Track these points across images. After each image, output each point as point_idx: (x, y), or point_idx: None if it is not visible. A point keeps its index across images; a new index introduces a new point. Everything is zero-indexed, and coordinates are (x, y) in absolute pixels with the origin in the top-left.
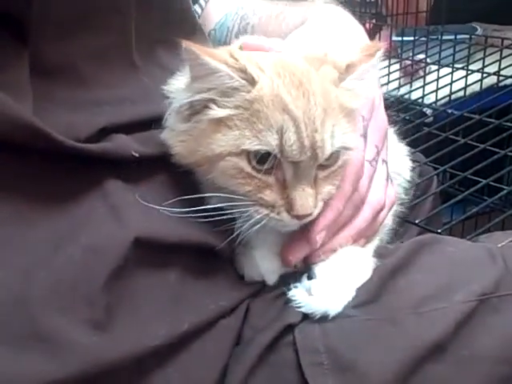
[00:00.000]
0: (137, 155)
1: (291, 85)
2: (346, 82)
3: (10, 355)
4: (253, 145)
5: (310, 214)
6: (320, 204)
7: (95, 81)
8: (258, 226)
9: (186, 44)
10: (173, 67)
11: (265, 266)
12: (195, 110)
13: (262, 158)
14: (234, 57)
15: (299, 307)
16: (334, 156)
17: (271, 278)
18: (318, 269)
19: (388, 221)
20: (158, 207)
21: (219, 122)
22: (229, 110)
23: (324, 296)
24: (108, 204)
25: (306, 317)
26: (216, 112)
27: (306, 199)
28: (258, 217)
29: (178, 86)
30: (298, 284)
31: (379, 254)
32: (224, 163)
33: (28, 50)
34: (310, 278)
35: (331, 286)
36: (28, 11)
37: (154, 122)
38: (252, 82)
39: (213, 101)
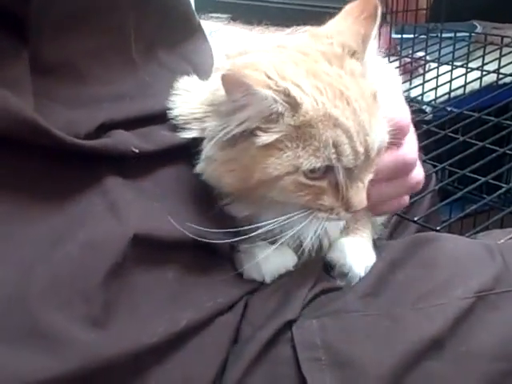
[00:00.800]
0: (137, 151)
1: (334, 97)
2: (366, 55)
3: (8, 351)
4: (312, 164)
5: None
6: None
7: (94, 78)
8: (320, 229)
9: (233, 74)
10: (172, 66)
11: (267, 266)
12: (237, 137)
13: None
14: (271, 77)
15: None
16: None
17: (271, 278)
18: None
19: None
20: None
21: (269, 146)
22: (276, 134)
23: (359, 263)
24: (107, 201)
25: (303, 312)
26: (265, 139)
27: (362, 195)
28: (318, 222)
29: (199, 112)
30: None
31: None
32: (283, 182)
33: (27, 47)
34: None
35: (359, 252)
36: (27, 9)
37: (154, 118)
38: (295, 105)
39: (258, 128)
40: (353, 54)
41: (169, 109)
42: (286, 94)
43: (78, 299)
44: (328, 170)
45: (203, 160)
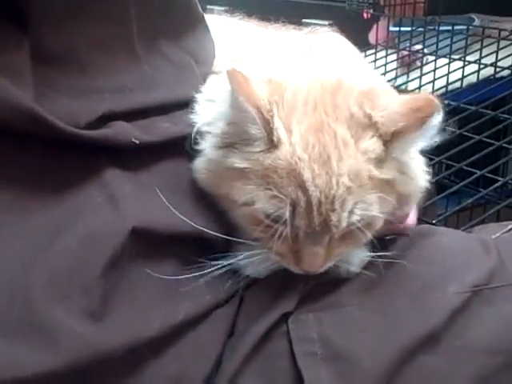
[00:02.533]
0: (137, 142)
1: (317, 160)
2: (390, 150)
3: (6, 343)
4: (265, 208)
5: (317, 271)
6: (329, 263)
7: (95, 68)
8: (271, 267)
9: (233, 72)
10: (174, 58)
11: (264, 266)
12: (223, 142)
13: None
14: (271, 104)
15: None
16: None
17: (265, 275)
18: None
19: None
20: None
21: (240, 170)
22: (246, 162)
23: (355, 268)
24: (106, 193)
25: (299, 305)
26: (236, 161)
27: (314, 259)
28: (269, 262)
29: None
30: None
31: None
32: (240, 211)
33: (28, 36)
34: None
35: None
36: None
37: (155, 110)
38: (270, 143)
39: (235, 146)
40: (385, 141)
41: (170, 101)
42: (270, 128)
43: (76, 292)
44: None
45: (199, 155)
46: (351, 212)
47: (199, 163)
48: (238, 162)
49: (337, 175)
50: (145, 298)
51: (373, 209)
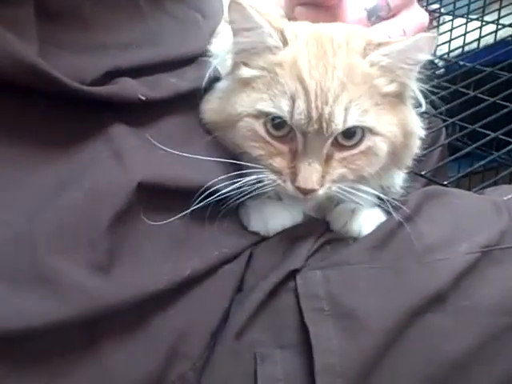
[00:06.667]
0: (144, 98)
1: (314, 54)
2: (373, 56)
3: (13, 293)
4: (266, 106)
5: (314, 190)
6: (328, 185)
7: (100, 24)
8: (266, 190)
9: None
10: (180, 15)
11: (273, 222)
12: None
13: (277, 125)
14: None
15: None
16: (355, 138)
17: (275, 233)
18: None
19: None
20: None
21: (247, 83)
22: (255, 70)
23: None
24: (111, 148)
25: (307, 263)
26: (243, 72)
27: (311, 174)
28: (266, 182)
29: (218, 48)
30: None
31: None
32: (242, 123)
33: None
34: None
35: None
36: None
37: (161, 67)
38: (285, 44)
39: (244, 63)
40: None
41: (176, 57)
42: (282, 33)
43: (83, 245)
44: (291, 136)
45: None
46: (347, 111)
47: (209, 95)
48: (248, 71)
49: (332, 67)
50: (152, 251)
51: (371, 118)
